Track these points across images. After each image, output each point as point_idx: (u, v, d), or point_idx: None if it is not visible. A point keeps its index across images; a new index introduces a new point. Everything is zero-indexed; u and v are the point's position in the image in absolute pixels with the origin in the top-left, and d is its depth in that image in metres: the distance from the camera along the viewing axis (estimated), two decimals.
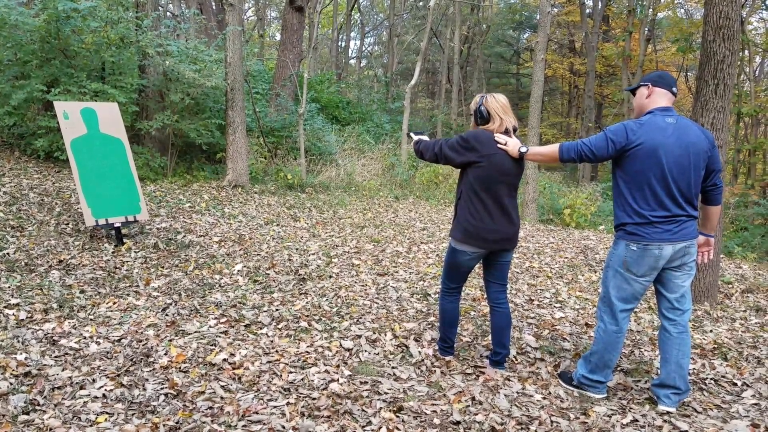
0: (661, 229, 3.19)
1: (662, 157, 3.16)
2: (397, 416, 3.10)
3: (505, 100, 3.56)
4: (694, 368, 3.96)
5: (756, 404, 3.48)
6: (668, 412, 3.34)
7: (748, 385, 3.75)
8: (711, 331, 4.78)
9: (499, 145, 3.44)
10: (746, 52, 17.10)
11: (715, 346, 4.41)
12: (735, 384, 3.77)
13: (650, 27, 22.50)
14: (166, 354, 3.71)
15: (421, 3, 29.14)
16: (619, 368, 3.92)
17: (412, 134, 3.95)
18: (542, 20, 10.85)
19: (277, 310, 4.63)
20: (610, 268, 3.39)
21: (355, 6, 26.87)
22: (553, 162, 3.50)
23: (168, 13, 15.46)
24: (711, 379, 3.83)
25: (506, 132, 3.53)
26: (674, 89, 3.33)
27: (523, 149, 3.44)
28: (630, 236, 3.25)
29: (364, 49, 35.43)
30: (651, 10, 21.27)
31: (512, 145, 3.44)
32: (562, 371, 3.79)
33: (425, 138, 3.84)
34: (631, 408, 3.35)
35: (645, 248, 3.21)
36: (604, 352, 3.42)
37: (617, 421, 3.17)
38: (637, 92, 3.42)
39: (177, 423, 2.92)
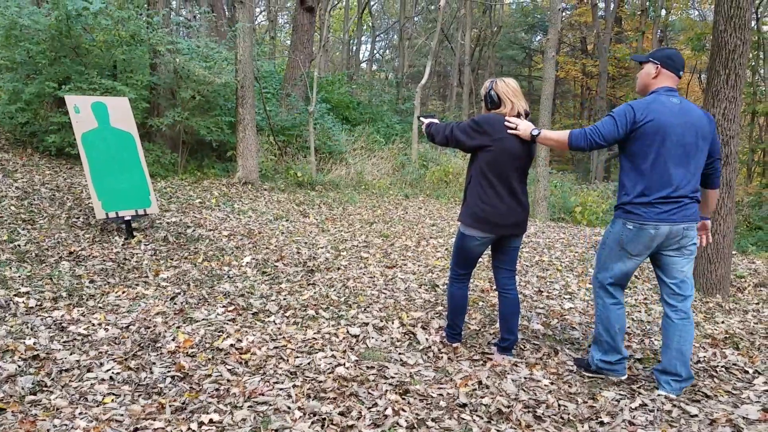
0: (660, 209, 3.18)
1: (667, 136, 3.15)
2: (403, 398, 3.08)
3: (515, 83, 3.54)
4: (704, 356, 3.92)
5: (767, 390, 3.43)
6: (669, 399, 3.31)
7: (759, 373, 3.70)
8: (723, 322, 4.73)
9: (509, 129, 3.42)
10: (761, 53, 16.96)
11: (727, 335, 4.36)
12: (746, 372, 3.72)
13: (663, 28, 22.38)
14: (173, 340, 3.72)
15: (432, 6, 29.18)
16: (629, 357, 3.88)
17: (421, 118, 3.93)
18: (553, 17, 10.82)
19: (284, 299, 4.63)
20: (606, 245, 3.41)
21: (366, 9, 26.93)
22: (563, 148, 3.43)
23: (182, 11, 15.56)
24: (722, 366, 3.78)
25: (518, 116, 3.51)
26: (681, 72, 3.31)
27: (535, 132, 3.41)
28: (627, 215, 3.27)
29: (375, 52, 35.52)
30: (664, 11, 21.16)
31: (524, 127, 3.41)
32: (577, 358, 3.76)
33: (436, 121, 3.82)
34: (640, 393, 3.31)
35: (641, 228, 3.22)
36: (608, 327, 3.42)
37: (626, 405, 3.13)
38: (645, 67, 3.38)
39: (183, 403, 2.93)
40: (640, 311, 4.86)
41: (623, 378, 3.50)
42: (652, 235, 3.20)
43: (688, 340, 3.33)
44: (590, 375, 3.55)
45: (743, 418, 3.04)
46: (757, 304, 5.30)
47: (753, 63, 15.88)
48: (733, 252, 6.92)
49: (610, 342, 3.44)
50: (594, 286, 3.52)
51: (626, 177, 3.30)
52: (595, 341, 3.54)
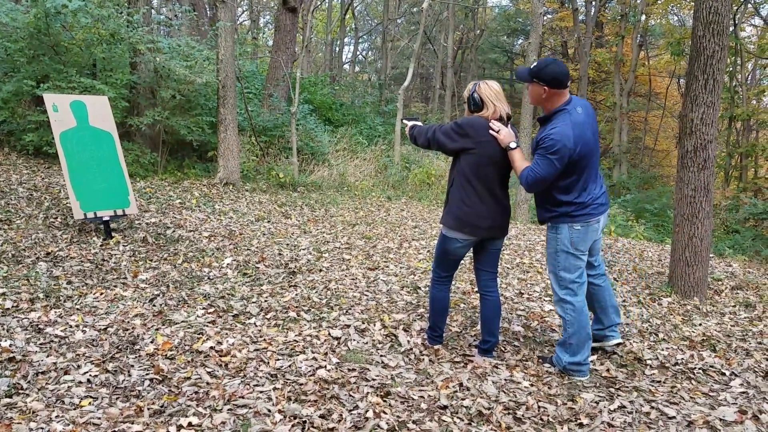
0: (595, 205, 3.47)
1: (590, 154, 3.39)
2: (384, 401, 3.08)
3: (498, 86, 3.54)
4: (682, 358, 3.96)
5: (744, 392, 3.48)
6: (619, 344, 3.89)
7: (736, 375, 3.75)
8: (700, 324, 4.78)
9: (491, 131, 3.43)
10: (738, 58, 17.20)
11: (704, 338, 4.41)
12: (723, 374, 3.77)
13: (642, 33, 22.63)
14: (152, 342, 3.69)
15: (415, 9, 29.24)
16: (608, 359, 3.91)
17: (404, 120, 3.94)
18: (534, 21, 10.89)
19: (266, 301, 4.60)
20: (559, 254, 3.51)
21: (349, 11, 26.91)
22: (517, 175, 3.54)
23: (162, 10, 15.43)
24: (699, 368, 3.83)
25: (500, 119, 3.51)
26: (569, 83, 3.42)
27: (513, 145, 3.44)
28: (573, 219, 3.44)
29: (358, 53, 35.50)
30: (644, 16, 21.39)
31: (504, 135, 3.42)
32: (541, 356, 3.86)
33: (419, 123, 3.82)
34: (618, 395, 3.34)
35: (588, 225, 3.45)
36: (580, 329, 3.51)
37: (604, 407, 3.16)
38: (532, 86, 3.49)
39: (162, 407, 2.90)
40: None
41: (585, 378, 3.57)
42: (596, 228, 3.49)
43: (612, 293, 3.86)
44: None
45: (720, 419, 3.08)
46: (734, 306, 5.37)
47: (731, 68, 16.10)
48: (711, 255, 7.01)
49: (580, 343, 3.53)
50: (559, 294, 3.57)
51: (563, 191, 3.44)
52: (561, 344, 3.62)
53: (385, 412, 2.94)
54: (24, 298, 4.21)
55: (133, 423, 2.72)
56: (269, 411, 2.90)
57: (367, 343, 3.90)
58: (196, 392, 3.07)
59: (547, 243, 3.63)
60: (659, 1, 20.70)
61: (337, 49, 30.19)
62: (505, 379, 3.46)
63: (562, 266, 3.51)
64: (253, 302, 4.56)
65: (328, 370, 3.40)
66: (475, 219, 3.48)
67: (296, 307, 4.50)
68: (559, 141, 3.25)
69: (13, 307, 4.05)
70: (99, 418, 2.74)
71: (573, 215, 3.42)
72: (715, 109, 5.32)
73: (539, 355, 3.85)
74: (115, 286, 4.71)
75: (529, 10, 20.62)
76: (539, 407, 3.13)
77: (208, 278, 5.13)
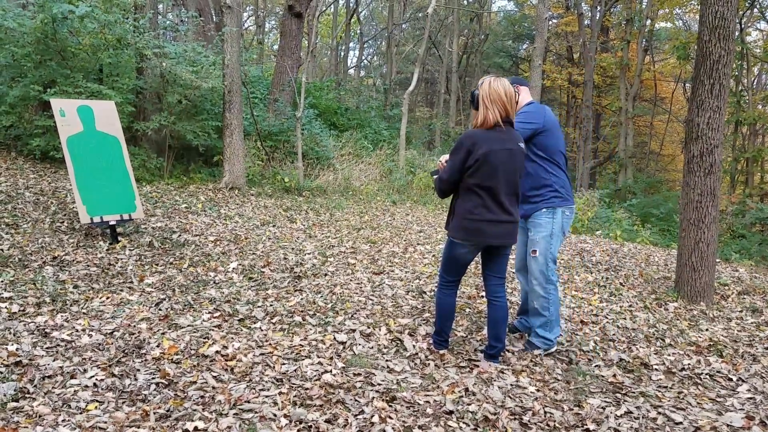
0: (571, 193, 3.90)
1: (557, 134, 3.86)
2: (390, 405, 3.08)
3: (503, 88, 3.41)
4: (689, 364, 3.95)
5: (751, 398, 3.47)
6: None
7: (743, 380, 3.74)
8: (707, 329, 4.76)
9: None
10: (744, 63, 17.18)
11: (711, 343, 4.40)
12: (730, 379, 3.76)
13: (648, 38, 22.61)
14: (158, 346, 3.69)
15: (420, 14, 29.29)
16: (615, 364, 3.90)
17: (433, 175, 3.92)
18: (539, 25, 10.89)
19: (271, 305, 4.61)
20: (554, 235, 3.81)
21: (354, 16, 26.97)
22: None
23: (168, 15, 15.49)
24: (706, 374, 3.81)
25: (496, 125, 3.45)
26: (528, 84, 4.13)
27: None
28: (564, 201, 3.81)
29: (363, 58, 35.55)
30: (649, 20, 21.37)
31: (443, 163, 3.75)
32: (525, 345, 4.06)
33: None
34: (625, 401, 3.33)
35: (571, 211, 3.85)
36: (558, 306, 3.89)
37: (611, 413, 3.15)
38: None
39: (168, 411, 2.90)
40: (624, 318, 4.89)
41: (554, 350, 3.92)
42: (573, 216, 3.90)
43: None
44: (538, 353, 3.92)
45: (727, 425, 3.07)
46: (741, 311, 5.35)
47: (737, 73, 16.08)
48: (717, 260, 6.99)
49: (555, 318, 3.89)
50: (548, 278, 3.86)
51: (554, 173, 3.84)
52: (542, 325, 3.91)
53: (390, 417, 2.94)
54: (30, 303, 4.22)
55: (139, 427, 2.73)
56: (275, 415, 2.90)
57: (372, 347, 3.90)
58: (201, 396, 3.07)
59: (536, 228, 3.86)
60: (664, 6, 20.65)
61: (342, 53, 30.28)
62: (511, 384, 3.45)
63: (553, 248, 3.82)
64: (258, 306, 4.56)
65: (334, 375, 3.40)
66: (482, 226, 3.46)
67: (301, 311, 4.50)
68: (530, 109, 3.84)
69: (19, 311, 4.07)
70: (105, 422, 2.74)
71: (564, 197, 3.80)
72: (721, 113, 5.31)
73: (525, 344, 4.07)
74: (121, 290, 4.72)
75: (534, 14, 20.65)
76: (545, 413, 3.12)
77: (214, 282, 5.14)
